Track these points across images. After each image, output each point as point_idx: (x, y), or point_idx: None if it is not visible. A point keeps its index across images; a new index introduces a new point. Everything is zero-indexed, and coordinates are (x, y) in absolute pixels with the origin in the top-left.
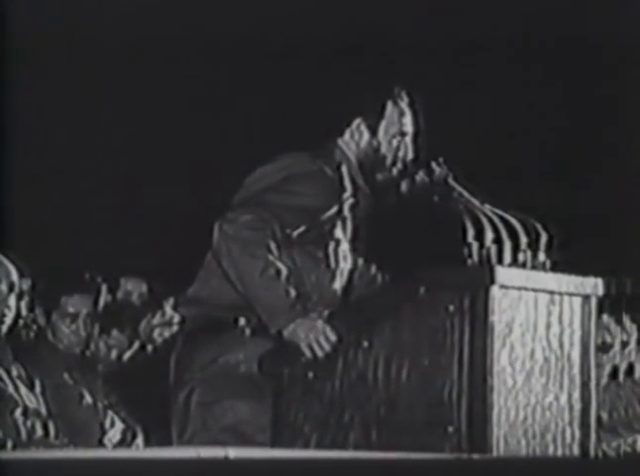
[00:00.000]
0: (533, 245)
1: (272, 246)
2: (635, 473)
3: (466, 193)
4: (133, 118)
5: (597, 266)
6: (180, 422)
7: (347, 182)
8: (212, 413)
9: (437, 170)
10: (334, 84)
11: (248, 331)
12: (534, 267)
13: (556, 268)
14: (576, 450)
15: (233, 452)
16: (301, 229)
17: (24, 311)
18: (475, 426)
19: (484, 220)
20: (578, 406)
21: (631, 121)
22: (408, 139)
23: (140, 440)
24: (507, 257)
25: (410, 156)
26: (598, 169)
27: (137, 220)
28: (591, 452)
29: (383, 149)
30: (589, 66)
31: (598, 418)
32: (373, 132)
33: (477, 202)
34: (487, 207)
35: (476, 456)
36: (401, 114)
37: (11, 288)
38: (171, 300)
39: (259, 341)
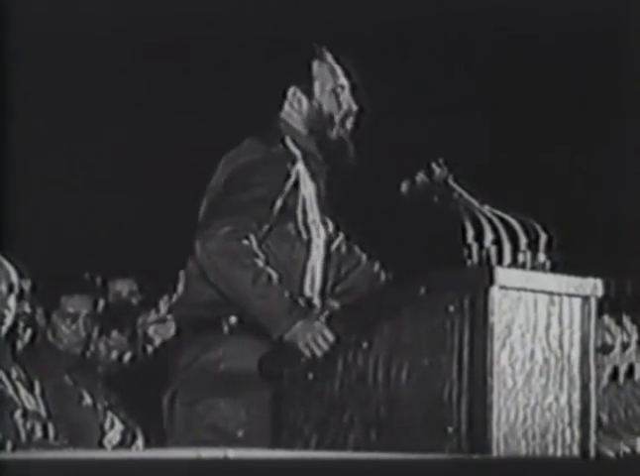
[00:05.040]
0: (533, 246)
1: (258, 251)
2: (635, 474)
3: (465, 194)
4: (131, 120)
5: (597, 267)
6: (167, 424)
7: (294, 151)
8: (195, 412)
9: (437, 170)
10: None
11: (226, 328)
12: (534, 268)
13: (556, 269)
14: (575, 451)
15: (232, 453)
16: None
17: (23, 312)
18: (474, 427)
19: (484, 221)
20: (577, 406)
21: (632, 120)
22: (347, 92)
23: (140, 442)
24: (507, 258)
25: (354, 108)
26: (599, 169)
27: (137, 220)
28: (591, 453)
29: (326, 108)
30: (591, 63)
31: (598, 420)
32: (310, 95)
33: (476, 203)
34: (487, 208)
35: (475, 457)
36: (331, 70)
37: (11, 288)
38: (166, 298)
39: (238, 338)
